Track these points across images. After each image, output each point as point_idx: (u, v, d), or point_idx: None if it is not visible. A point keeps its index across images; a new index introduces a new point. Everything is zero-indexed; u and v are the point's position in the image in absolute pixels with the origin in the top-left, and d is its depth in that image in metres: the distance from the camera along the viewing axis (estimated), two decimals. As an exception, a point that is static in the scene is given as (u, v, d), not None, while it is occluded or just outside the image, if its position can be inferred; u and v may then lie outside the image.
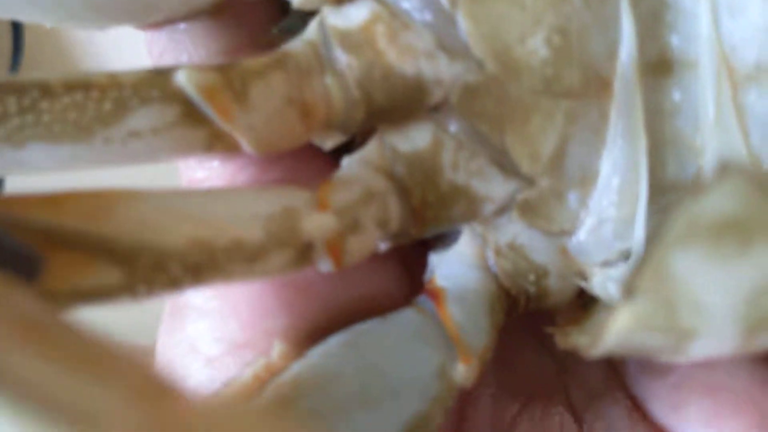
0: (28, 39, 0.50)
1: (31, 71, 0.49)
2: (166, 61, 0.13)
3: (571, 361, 0.14)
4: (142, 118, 0.11)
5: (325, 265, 0.11)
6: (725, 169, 0.08)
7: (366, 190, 0.11)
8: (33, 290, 0.08)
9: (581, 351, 0.11)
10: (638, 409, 0.13)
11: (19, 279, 0.08)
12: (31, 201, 0.09)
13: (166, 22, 0.13)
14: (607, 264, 0.12)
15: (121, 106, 0.10)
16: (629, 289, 0.09)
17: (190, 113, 0.11)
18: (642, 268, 0.08)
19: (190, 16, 0.13)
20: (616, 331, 0.09)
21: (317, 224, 0.11)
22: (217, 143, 0.11)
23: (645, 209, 0.12)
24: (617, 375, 0.14)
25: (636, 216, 0.12)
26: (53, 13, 0.12)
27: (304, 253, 0.11)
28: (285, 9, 0.13)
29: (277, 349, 0.12)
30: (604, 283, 0.12)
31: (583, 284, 0.13)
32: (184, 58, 0.13)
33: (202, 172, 0.13)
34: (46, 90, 0.10)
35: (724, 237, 0.08)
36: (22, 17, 0.12)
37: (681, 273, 0.08)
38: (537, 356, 0.15)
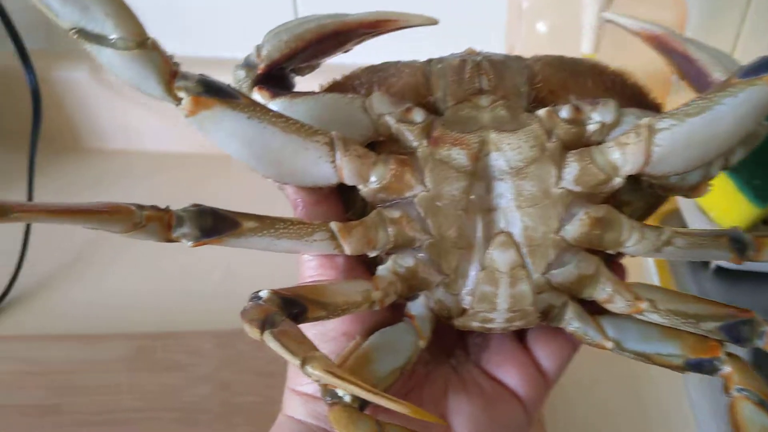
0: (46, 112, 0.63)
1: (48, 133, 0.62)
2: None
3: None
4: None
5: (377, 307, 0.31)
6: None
7: (389, 282, 0.31)
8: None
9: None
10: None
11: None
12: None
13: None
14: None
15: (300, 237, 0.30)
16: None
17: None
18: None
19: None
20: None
21: (377, 296, 0.31)
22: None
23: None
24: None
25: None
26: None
27: (371, 305, 0.30)
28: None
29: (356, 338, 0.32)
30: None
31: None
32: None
33: (310, 272, 0.32)
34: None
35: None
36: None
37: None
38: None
